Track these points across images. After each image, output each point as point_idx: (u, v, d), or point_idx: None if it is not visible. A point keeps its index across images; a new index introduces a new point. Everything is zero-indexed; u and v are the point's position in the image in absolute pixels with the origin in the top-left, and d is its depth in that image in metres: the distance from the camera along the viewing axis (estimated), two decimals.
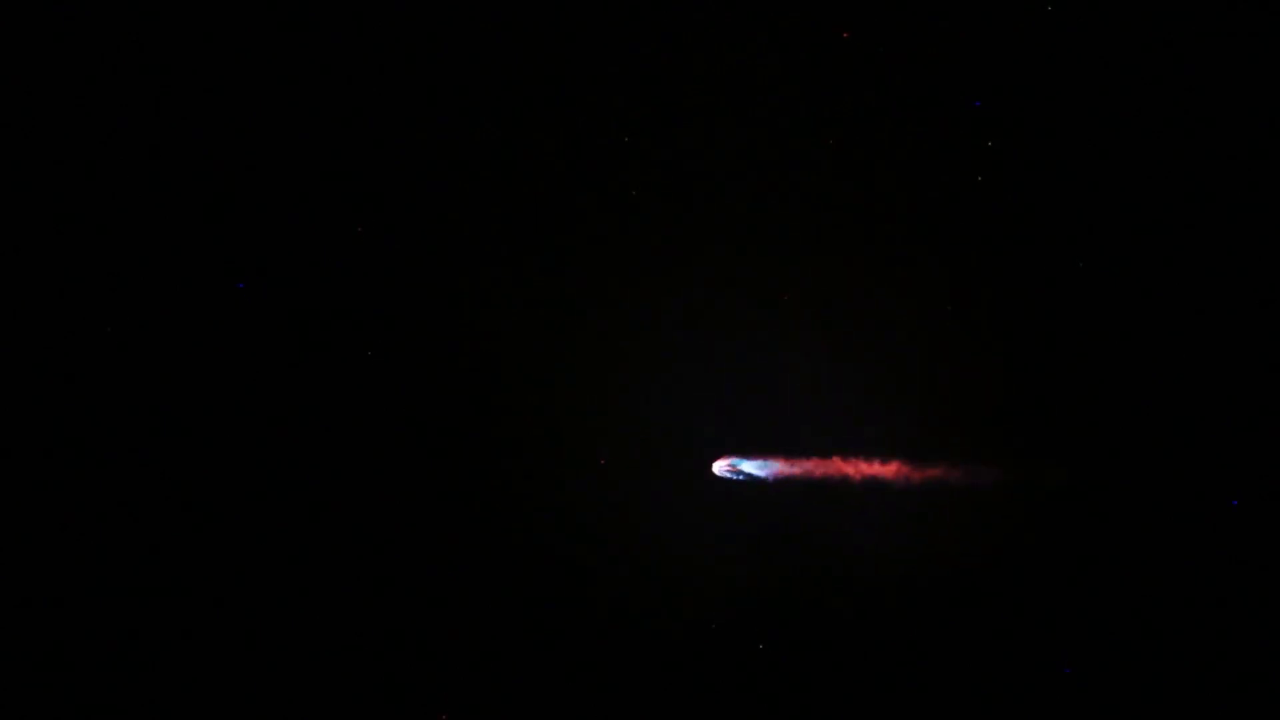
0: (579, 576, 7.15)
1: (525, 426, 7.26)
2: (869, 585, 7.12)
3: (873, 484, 7.10)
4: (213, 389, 7.17)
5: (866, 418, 7.14)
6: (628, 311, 7.26)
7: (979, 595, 7.05)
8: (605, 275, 7.25)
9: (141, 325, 7.15)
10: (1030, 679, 6.98)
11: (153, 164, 7.17)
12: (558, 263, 7.27)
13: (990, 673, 7.00)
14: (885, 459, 7.10)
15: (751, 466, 7.14)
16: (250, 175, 7.19)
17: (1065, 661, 6.95)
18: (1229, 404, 6.96)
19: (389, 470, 7.18)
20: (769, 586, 7.16)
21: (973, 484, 7.06)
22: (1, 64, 7.09)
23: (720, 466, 7.16)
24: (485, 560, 7.15)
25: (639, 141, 7.19)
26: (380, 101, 7.20)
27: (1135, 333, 7.03)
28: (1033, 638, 7.00)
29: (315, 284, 7.22)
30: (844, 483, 7.11)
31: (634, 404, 7.24)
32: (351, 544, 7.14)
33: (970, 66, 7.07)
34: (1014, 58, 7.06)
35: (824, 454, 7.14)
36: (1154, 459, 6.99)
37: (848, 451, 7.12)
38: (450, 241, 7.25)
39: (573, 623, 7.12)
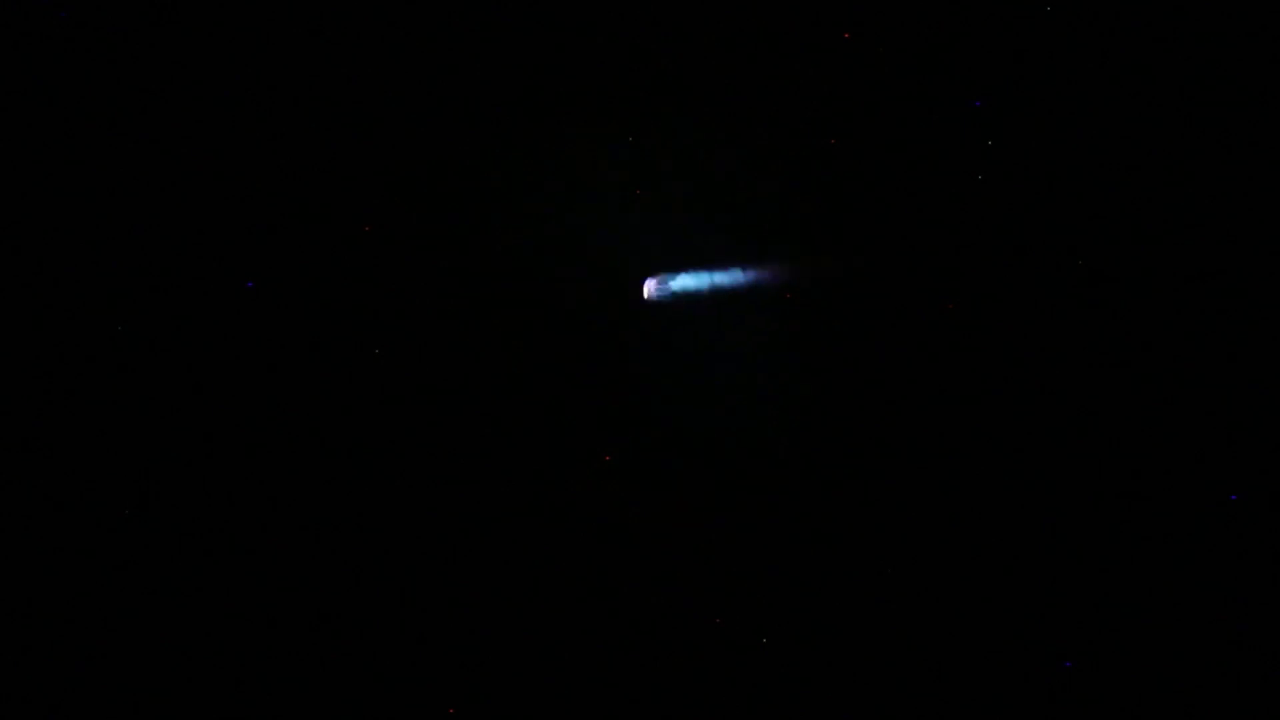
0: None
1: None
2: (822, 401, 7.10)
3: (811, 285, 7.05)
4: (223, 385, 7.21)
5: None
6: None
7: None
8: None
9: (153, 324, 7.19)
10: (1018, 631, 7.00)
11: (160, 164, 7.21)
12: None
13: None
14: (815, 261, 7.03)
15: (683, 281, 6.99)
16: (258, 174, 7.23)
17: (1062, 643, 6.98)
18: (1229, 399, 6.98)
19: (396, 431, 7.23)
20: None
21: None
22: (2, 64, 7.14)
23: (651, 287, 7.05)
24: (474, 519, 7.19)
25: (641, 141, 7.24)
26: (384, 101, 7.24)
27: (1136, 330, 7.04)
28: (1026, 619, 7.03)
29: (323, 282, 7.26)
30: (785, 286, 7.03)
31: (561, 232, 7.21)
32: (357, 526, 7.19)
33: (970, 66, 7.09)
34: (1014, 58, 7.08)
35: (754, 261, 7.05)
36: (1152, 454, 7.01)
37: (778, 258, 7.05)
38: (454, 238, 7.29)
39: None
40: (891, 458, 7.15)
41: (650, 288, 7.03)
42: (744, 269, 6.94)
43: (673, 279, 6.99)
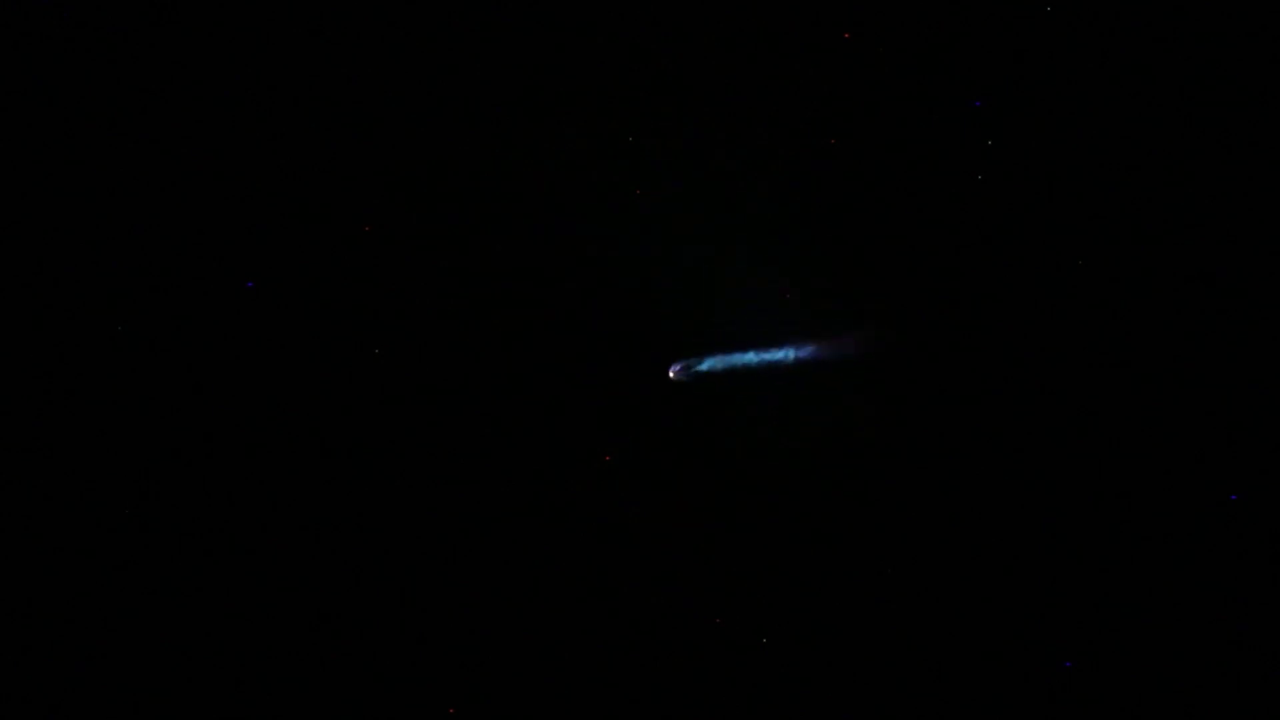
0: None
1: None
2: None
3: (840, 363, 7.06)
4: (223, 385, 7.21)
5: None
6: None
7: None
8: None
9: (153, 324, 7.19)
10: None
11: (160, 164, 7.22)
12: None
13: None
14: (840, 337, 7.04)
15: (708, 364, 6.99)
16: (258, 174, 7.24)
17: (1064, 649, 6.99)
18: (1229, 399, 6.98)
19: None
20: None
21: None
22: (3, 64, 7.14)
23: (675, 370, 7.05)
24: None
25: (641, 141, 7.24)
26: (384, 101, 7.25)
27: (1136, 330, 7.04)
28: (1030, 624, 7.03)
29: (323, 282, 7.26)
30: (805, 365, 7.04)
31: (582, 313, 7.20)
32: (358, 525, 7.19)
33: (970, 66, 7.09)
34: (1014, 58, 7.08)
35: (776, 340, 7.06)
36: (1153, 454, 7.01)
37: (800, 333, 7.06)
38: (454, 239, 7.30)
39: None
40: (891, 458, 7.15)
41: (674, 370, 7.07)
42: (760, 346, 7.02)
43: (698, 363, 7.02)
